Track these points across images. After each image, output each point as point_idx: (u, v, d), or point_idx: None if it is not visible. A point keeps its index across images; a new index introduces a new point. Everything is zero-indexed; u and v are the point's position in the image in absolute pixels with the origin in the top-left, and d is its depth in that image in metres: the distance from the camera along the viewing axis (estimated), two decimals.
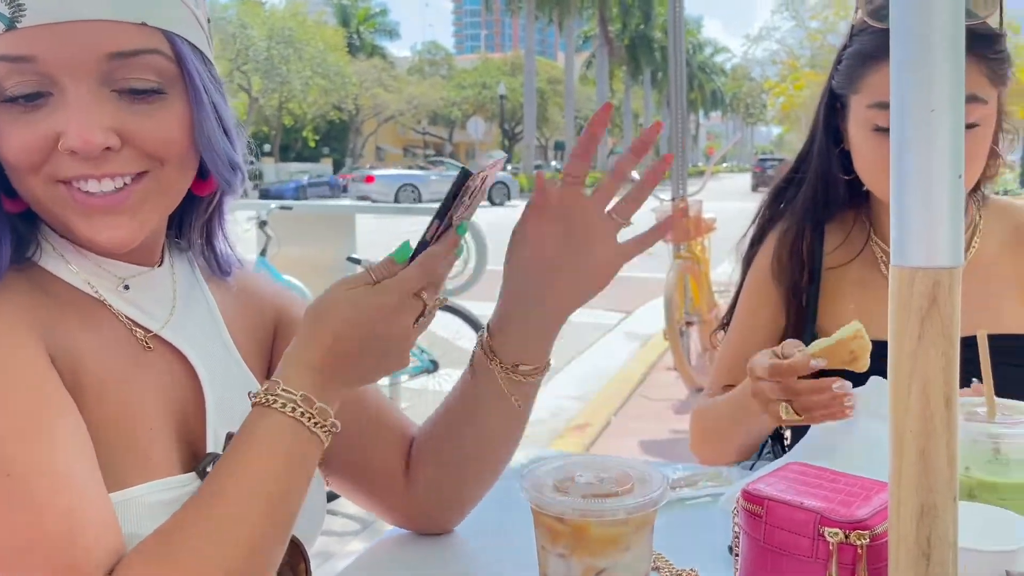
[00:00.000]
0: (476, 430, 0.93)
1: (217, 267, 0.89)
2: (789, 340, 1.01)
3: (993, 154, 1.15)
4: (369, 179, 26.82)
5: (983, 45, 1.06)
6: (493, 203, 25.63)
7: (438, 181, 26.18)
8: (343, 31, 42.41)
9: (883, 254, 1.20)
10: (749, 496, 0.65)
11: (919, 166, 0.50)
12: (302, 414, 0.69)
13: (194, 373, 0.79)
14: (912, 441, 0.51)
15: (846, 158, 1.17)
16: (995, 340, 1.12)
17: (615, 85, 48.54)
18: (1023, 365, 1.13)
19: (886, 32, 1.11)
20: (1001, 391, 1.11)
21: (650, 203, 5.38)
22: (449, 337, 4.24)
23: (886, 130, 1.07)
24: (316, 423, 0.70)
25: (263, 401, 0.70)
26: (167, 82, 0.72)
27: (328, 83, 34.45)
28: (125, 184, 0.71)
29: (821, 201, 1.22)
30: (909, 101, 0.50)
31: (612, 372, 5.28)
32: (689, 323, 4.84)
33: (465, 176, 0.75)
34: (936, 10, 0.49)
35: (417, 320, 0.76)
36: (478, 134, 37.06)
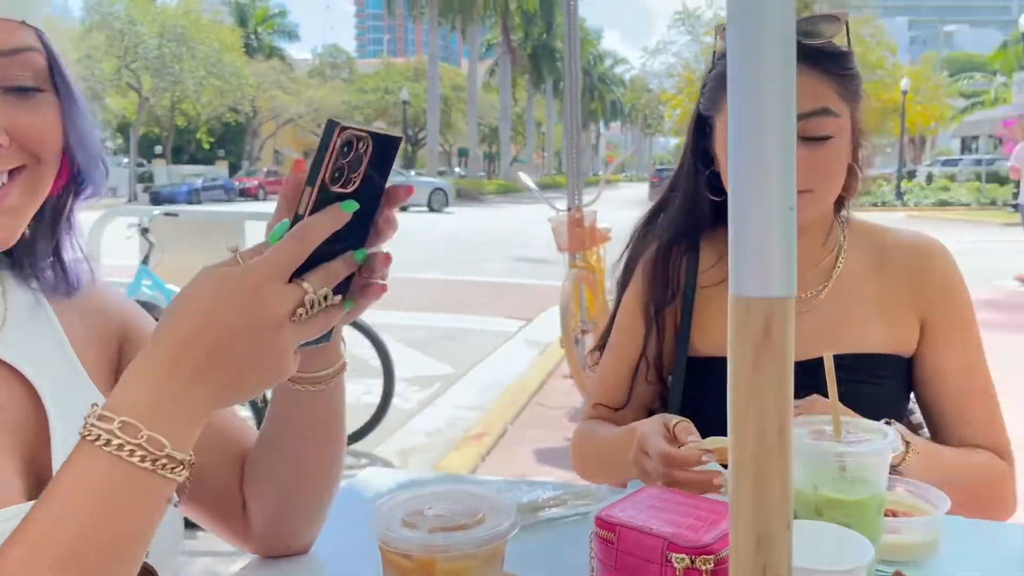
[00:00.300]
0: (288, 442, 0.84)
1: (64, 279, 0.83)
2: (682, 423, 0.99)
3: (852, 172, 1.17)
4: None
5: (831, 62, 1.10)
6: (432, 209, 25.72)
7: None
8: (240, 31, 41.24)
9: None
10: (601, 522, 0.65)
11: (753, 197, 0.51)
12: (120, 447, 0.57)
13: (35, 393, 0.74)
14: (748, 470, 0.52)
15: (717, 179, 1.20)
16: (859, 359, 1.16)
17: (518, 93, 48.97)
18: (885, 383, 1.17)
19: None
20: (866, 409, 1.14)
21: (546, 213, 5.43)
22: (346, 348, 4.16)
23: None
24: (145, 457, 0.57)
25: (83, 432, 0.59)
26: (43, 80, 0.72)
27: (224, 84, 33.43)
28: (3, 183, 0.69)
29: (690, 222, 1.24)
30: (743, 134, 0.50)
31: (510, 380, 5.29)
32: (584, 331, 4.90)
33: (331, 129, 0.63)
34: (767, 47, 0.50)
35: (297, 313, 0.62)
36: None
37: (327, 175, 0.64)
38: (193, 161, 39.77)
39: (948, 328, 1.18)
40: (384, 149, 0.66)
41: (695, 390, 1.19)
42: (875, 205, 23.99)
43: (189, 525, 0.89)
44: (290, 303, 0.62)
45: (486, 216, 23.33)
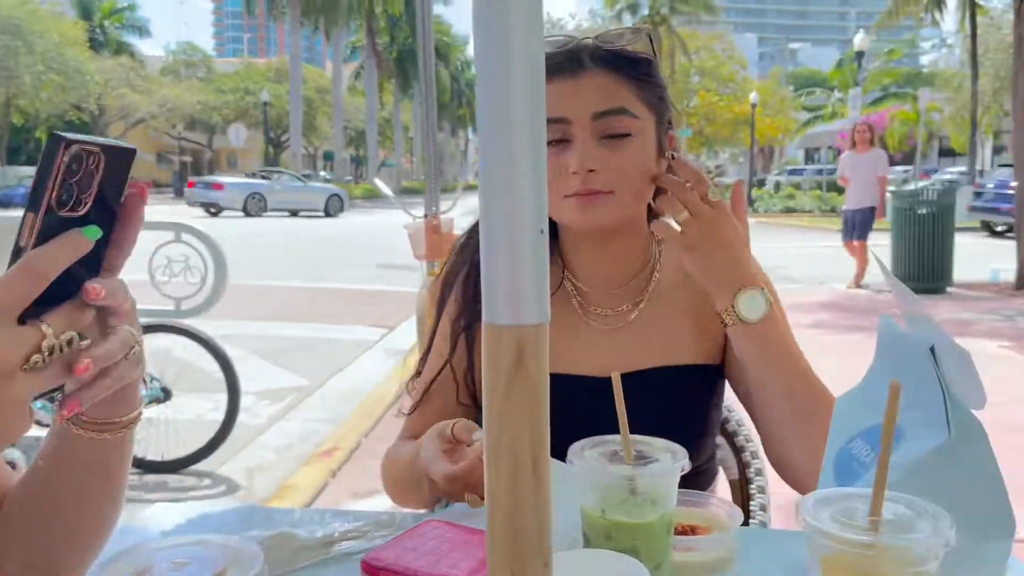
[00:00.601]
0: (57, 486, 0.75)
1: None
2: (461, 423, 0.98)
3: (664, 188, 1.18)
4: (217, 186, 25.91)
5: (628, 66, 1.10)
6: (328, 214, 25.09)
7: (282, 191, 26.00)
8: (84, 24, 38.80)
9: (575, 290, 1.21)
10: (367, 566, 0.61)
11: (503, 221, 0.48)
12: None
13: None
14: (502, 505, 0.49)
15: None
16: (671, 372, 1.16)
17: (385, 97, 48.46)
18: (699, 394, 1.18)
19: (552, 55, 1.13)
20: (679, 421, 1.15)
21: (402, 219, 5.33)
22: (186, 361, 3.95)
23: (548, 144, 1.08)
24: None
25: None
26: None
27: (65, 80, 31.31)
28: None
29: None
30: (491, 154, 0.48)
31: (367, 391, 5.18)
32: None
33: (56, 144, 0.56)
34: (514, 64, 0.47)
35: (32, 360, 0.55)
36: (239, 141, 35.46)
37: (54, 197, 0.56)
38: (31, 162, 37.02)
39: None
40: (117, 163, 0.59)
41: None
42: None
43: None
44: (22, 348, 0.54)
45: (352, 222, 22.90)
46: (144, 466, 3.81)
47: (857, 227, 9.07)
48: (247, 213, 25.33)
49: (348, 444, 4.10)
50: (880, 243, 9.37)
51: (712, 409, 1.20)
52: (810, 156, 44.75)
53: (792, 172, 35.81)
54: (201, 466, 3.83)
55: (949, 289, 8.98)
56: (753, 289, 1.05)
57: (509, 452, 0.48)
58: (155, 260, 3.99)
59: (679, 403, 1.16)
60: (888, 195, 9.43)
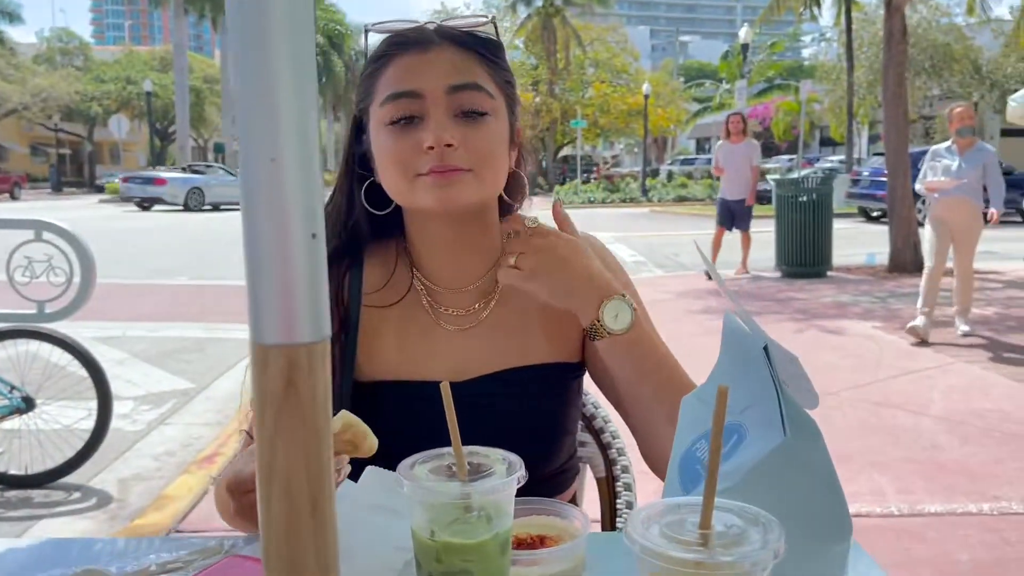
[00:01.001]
0: None
1: None
2: None
3: (517, 178, 1.14)
4: (160, 181, 25.20)
5: (480, 44, 1.07)
6: (188, 208, 24.13)
7: (218, 185, 25.41)
8: None
9: (425, 290, 1.15)
10: None
11: (267, 226, 0.42)
12: None
13: None
14: (279, 550, 0.43)
15: (380, 189, 1.11)
16: (525, 373, 1.11)
17: None
18: (556, 394, 1.14)
19: (396, 33, 1.07)
20: (538, 422, 1.11)
21: None
22: (53, 368, 3.70)
23: (399, 121, 1.03)
24: None
25: None
26: None
27: None
28: None
29: (352, 236, 1.14)
30: (251, 151, 0.41)
31: None
32: None
33: None
34: (274, 43, 0.41)
35: None
36: (121, 133, 33.76)
37: None
38: None
39: None
40: None
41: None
42: (624, 201, 25.70)
43: None
44: None
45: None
46: (5, 481, 3.56)
47: (739, 218, 9.22)
48: (187, 208, 24.70)
49: (231, 449, 3.93)
50: (765, 230, 9.72)
51: (571, 408, 1.17)
52: (701, 146, 46.09)
53: (684, 162, 36.78)
54: (71, 479, 3.60)
55: (829, 273, 9.38)
56: (614, 299, 1.01)
57: (283, 492, 0.42)
58: (14, 260, 3.71)
59: (536, 404, 1.12)
60: (772, 183, 9.77)
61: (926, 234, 6.13)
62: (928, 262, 6.06)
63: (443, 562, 0.67)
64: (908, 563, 2.79)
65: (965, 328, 6.13)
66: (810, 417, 0.66)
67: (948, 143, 6.09)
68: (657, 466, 1.09)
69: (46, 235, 3.73)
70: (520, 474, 0.70)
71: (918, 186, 6.18)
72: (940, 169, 6.01)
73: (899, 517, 3.15)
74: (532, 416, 1.08)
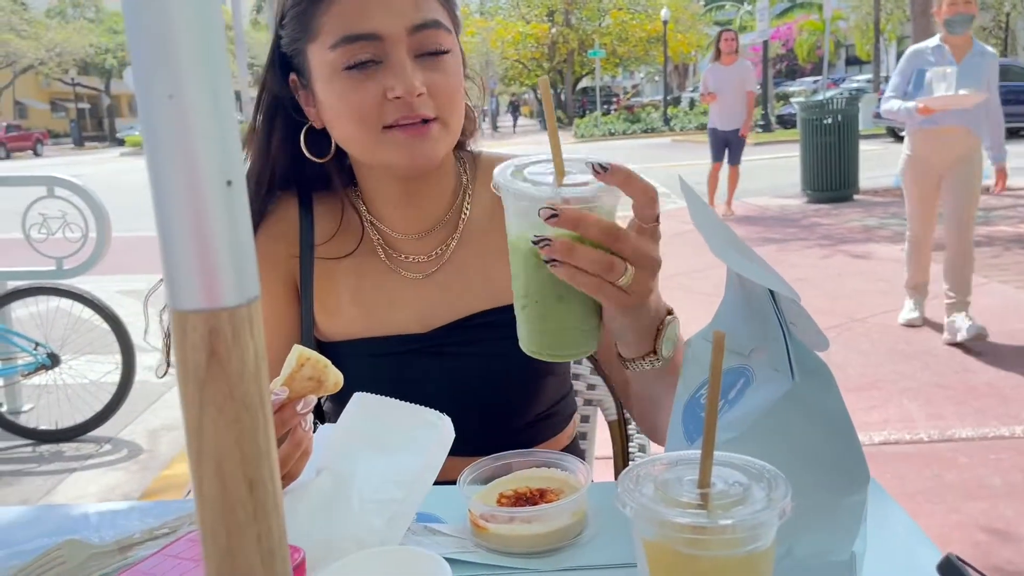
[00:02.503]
0: None
1: None
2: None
3: (468, 112, 1.06)
4: None
5: None
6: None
7: None
8: None
9: (380, 238, 1.07)
10: None
11: (173, 175, 0.36)
12: None
13: None
14: (216, 540, 0.39)
15: (318, 138, 1.02)
16: (498, 313, 1.04)
17: None
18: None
19: None
20: (511, 368, 1.01)
21: None
22: (76, 323, 3.72)
23: (356, 67, 0.93)
24: None
25: None
26: None
27: None
28: None
29: (295, 179, 1.07)
30: (148, 89, 0.35)
31: None
32: None
33: None
34: None
35: None
36: None
37: None
38: None
39: None
40: None
41: None
42: (645, 132, 25.27)
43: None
44: None
45: None
46: (37, 436, 3.62)
47: (733, 150, 8.20)
48: None
49: None
50: (790, 155, 9.48)
51: None
52: None
53: None
54: (101, 431, 3.65)
55: (856, 196, 9.18)
56: (669, 320, 0.82)
57: (214, 473, 0.38)
58: (28, 217, 3.71)
59: (510, 347, 1.05)
60: (796, 106, 9.47)
61: (905, 184, 4.29)
62: (912, 225, 4.34)
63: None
64: (939, 489, 2.75)
65: (968, 328, 4.06)
66: (822, 361, 0.60)
67: (934, 41, 4.10)
68: (652, 430, 1.01)
69: (58, 191, 3.72)
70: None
71: (890, 105, 4.15)
72: (929, 81, 4.02)
73: (929, 443, 3.10)
74: (506, 360, 0.99)
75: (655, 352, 0.81)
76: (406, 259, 1.06)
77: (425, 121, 0.94)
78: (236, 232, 0.37)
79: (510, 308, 1.03)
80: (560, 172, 0.71)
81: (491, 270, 1.05)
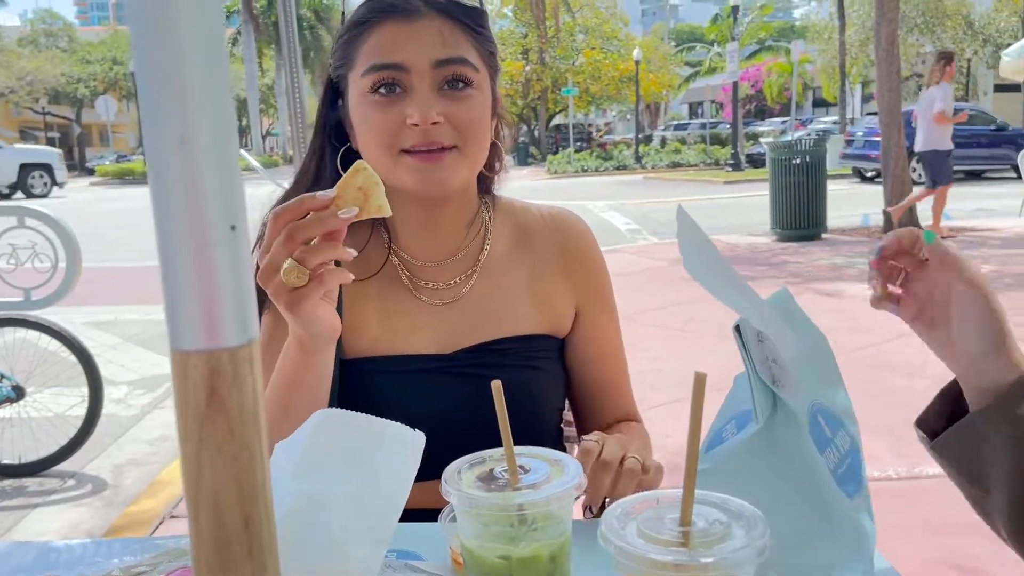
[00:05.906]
0: None
1: None
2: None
3: (496, 150, 1.12)
4: None
5: (464, 14, 1.04)
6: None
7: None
8: None
9: (401, 263, 1.13)
10: None
11: (179, 219, 0.37)
12: None
13: None
14: (210, 574, 0.39)
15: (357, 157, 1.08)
16: (513, 343, 1.11)
17: (266, 63, 46.59)
18: (542, 365, 1.13)
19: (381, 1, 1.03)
20: (526, 394, 1.09)
21: (268, 189, 5.10)
22: (43, 356, 3.66)
23: (381, 90, 1.00)
24: None
25: None
26: None
27: None
28: None
29: None
30: (157, 133, 0.37)
31: None
32: None
33: None
34: (183, 13, 0.36)
35: None
36: (109, 114, 33.47)
37: None
38: None
39: (600, 309, 1.18)
40: None
41: (356, 395, 1.06)
42: (617, 169, 25.56)
43: None
44: None
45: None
46: None
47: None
48: None
49: None
50: (760, 193, 9.64)
51: (557, 381, 1.16)
52: (694, 111, 45.83)
53: (677, 127, 36.55)
54: (65, 466, 3.58)
55: (824, 235, 9.33)
56: None
57: (211, 512, 0.38)
58: None
59: (528, 375, 1.10)
60: (765, 146, 9.67)
61: None
62: None
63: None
64: (906, 526, 2.78)
65: None
66: (792, 409, 0.62)
67: None
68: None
69: (29, 221, 3.67)
70: (581, 480, 0.66)
71: None
72: None
73: (898, 480, 3.14)
74: (524, 388, 1.06)
75: None
76: (427, 285, 1.11)
77: (443, 149, 1.00)
78: (238, 275, 0.38)
79: (532, 337, 1.09)
80: (514, 473, 0.69)
81: (511, 302, 1.12)
